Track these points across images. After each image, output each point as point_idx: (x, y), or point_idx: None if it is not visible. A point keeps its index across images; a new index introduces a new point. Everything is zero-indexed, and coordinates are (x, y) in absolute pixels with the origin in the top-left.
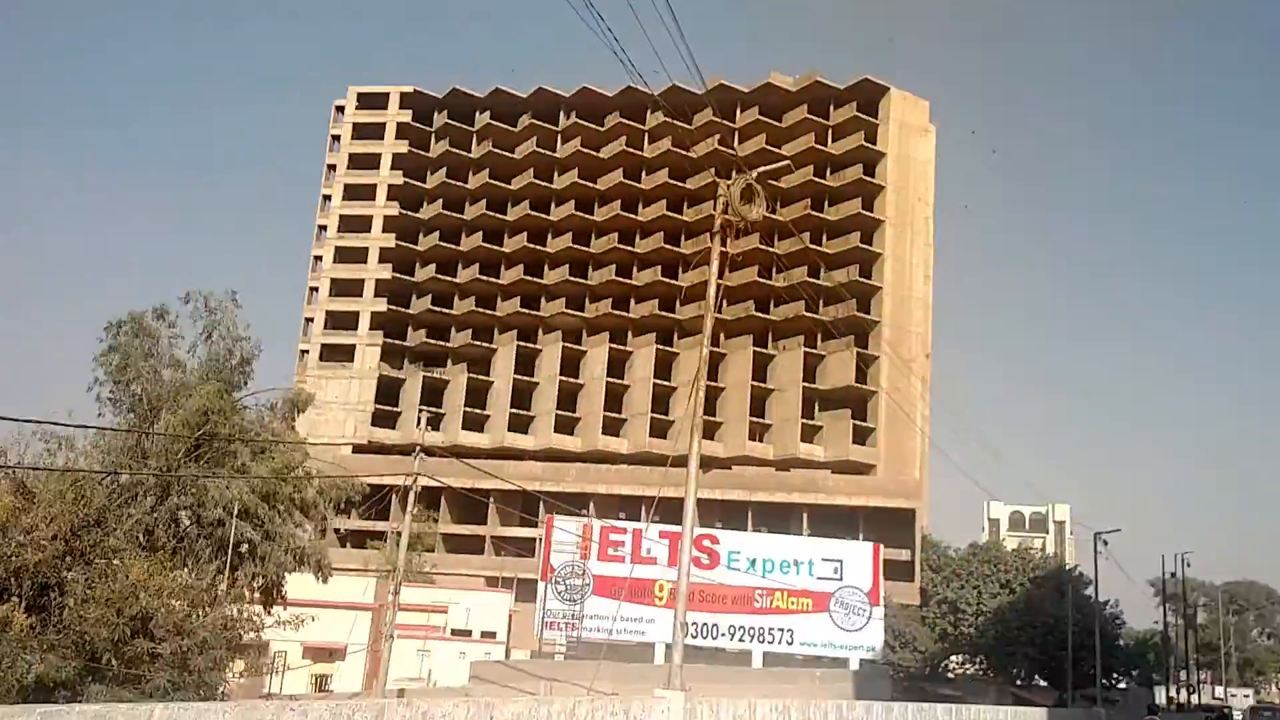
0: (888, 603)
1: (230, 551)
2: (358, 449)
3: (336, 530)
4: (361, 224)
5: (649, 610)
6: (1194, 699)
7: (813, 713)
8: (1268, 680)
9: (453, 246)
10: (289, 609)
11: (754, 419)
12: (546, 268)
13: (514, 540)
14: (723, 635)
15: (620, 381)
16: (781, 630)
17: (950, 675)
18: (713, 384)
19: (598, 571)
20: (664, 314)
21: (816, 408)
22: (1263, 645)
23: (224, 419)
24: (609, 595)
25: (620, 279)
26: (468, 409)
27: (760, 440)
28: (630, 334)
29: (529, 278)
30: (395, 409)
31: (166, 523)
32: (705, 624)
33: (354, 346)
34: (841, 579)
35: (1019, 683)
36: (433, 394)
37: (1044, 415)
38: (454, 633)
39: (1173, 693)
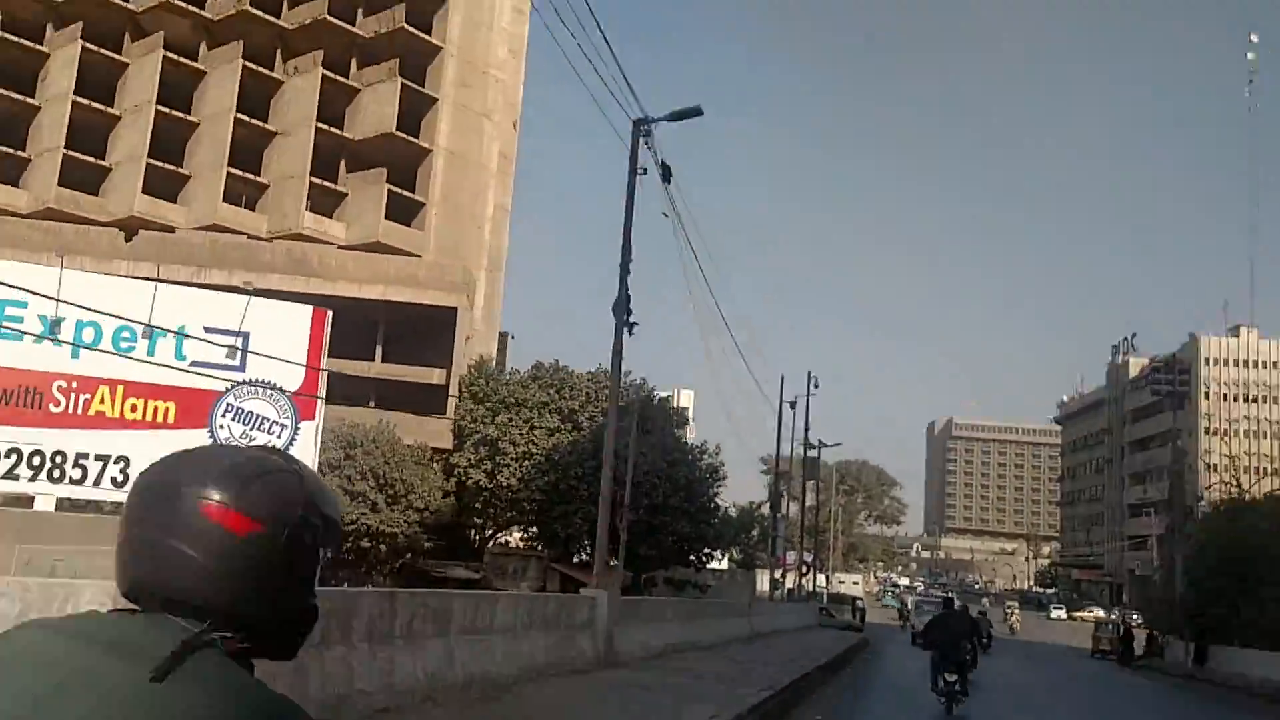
0: (390, 439)
1: None
2: None
3: None
4: None
5: None
6: (808, 584)
7: None
8: (869, 568)
9: None
10: None
11: (241, 172)
12: None
13: None
14: None
15: (25, 100)
16: (105, 458)
17: (491, 549)
18: (177, 113)
19: None
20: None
21: (343, 167)
22: (868, 531)
23: None
24: None
25: None
26: None
27: (250, 207)
28: (50, 27)
29: None
30: None
31: None
32: None
33: None
34: (243, 368)
35: (586, 558)
36: None
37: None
38: None
39: (778, 575)
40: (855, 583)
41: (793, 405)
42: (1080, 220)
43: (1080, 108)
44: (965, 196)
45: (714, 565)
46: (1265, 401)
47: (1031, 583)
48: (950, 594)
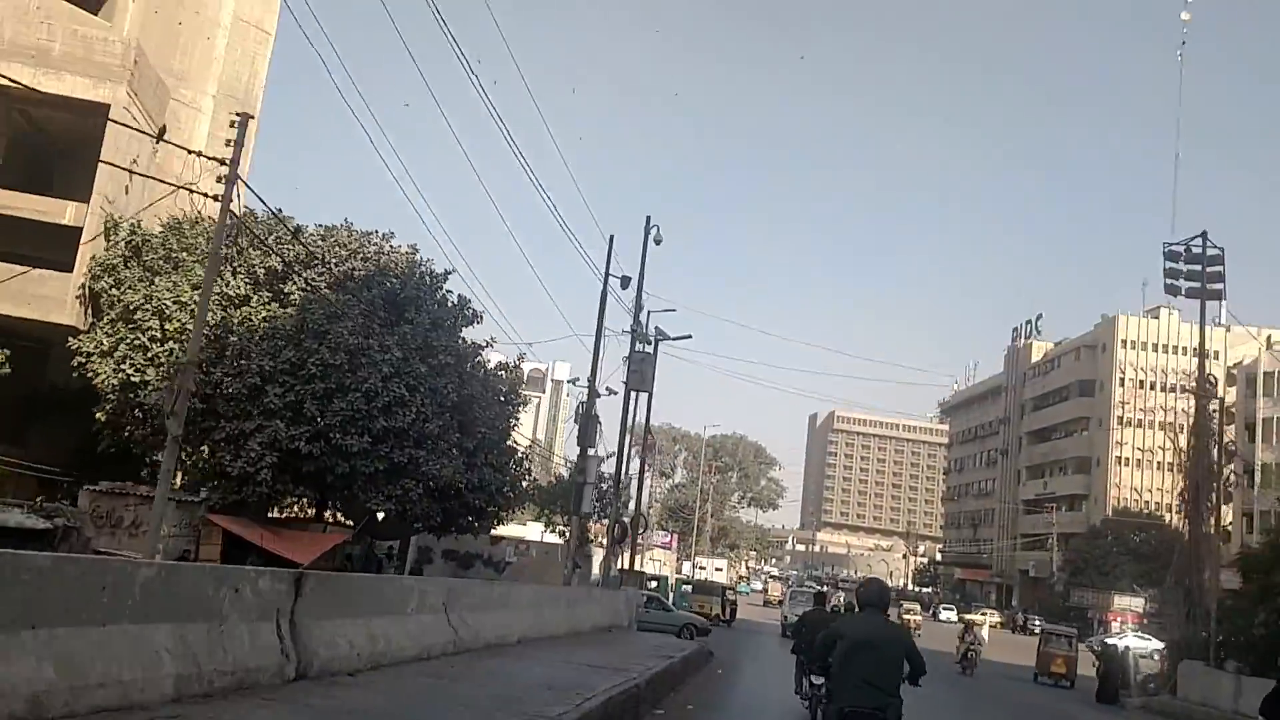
0: None
1: None
2: None
3: None
4: None
5: None
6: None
7: None
8: (739, 557)
9: None
10: None
11: None
12: None
13: None
14: None
15: None
16: None
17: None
18: None
19: None
20: None
21: None
22: (741, 515)
23: None
24: None
25: None
26: None
27: None
28: None
29: None
30: None
31: None
32: None
33: None
34: None
35: (295, 511)
36: None
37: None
38: None
39: (589, 549)
40: (719, 569)
41: (624, 284)
42: (976, 201)
43: (977, 66)
44: (852, 179)
45: (511, 532)
46: (1183, 392)
47: (908, 581)
48: (822, 588)
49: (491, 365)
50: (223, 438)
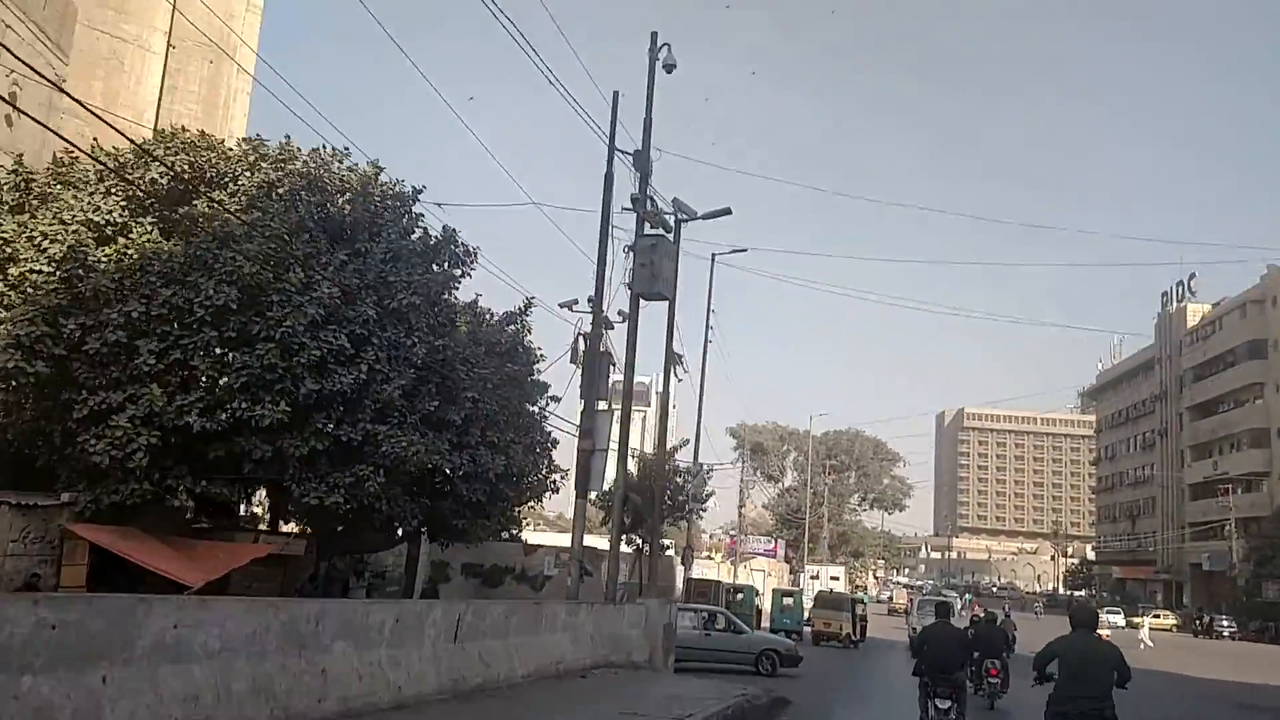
0: None
1: None
2: None
3: None
4: None
5: None
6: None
7: None
8: (864, 566)
9: None
10: None
11: None
12: None
13: None
14: None
15: None
16: None
17: None
18: None
19: None
20: None
21: None
22: (863, 519)
23: None
24: None
25: None
26: None
27: None
28: None
29: None
30: None
31: None
32: None
33: None
34: None
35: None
36: None
37: None
38: None
39: (602, 545)
40: (834, 578)
41: (635, 164)
42: (1115, 167)
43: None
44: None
45: (564, 541)
46: None
47: (1059, 584)
48: (962, 597)
49: (497, 318)
50: (83, 415)
